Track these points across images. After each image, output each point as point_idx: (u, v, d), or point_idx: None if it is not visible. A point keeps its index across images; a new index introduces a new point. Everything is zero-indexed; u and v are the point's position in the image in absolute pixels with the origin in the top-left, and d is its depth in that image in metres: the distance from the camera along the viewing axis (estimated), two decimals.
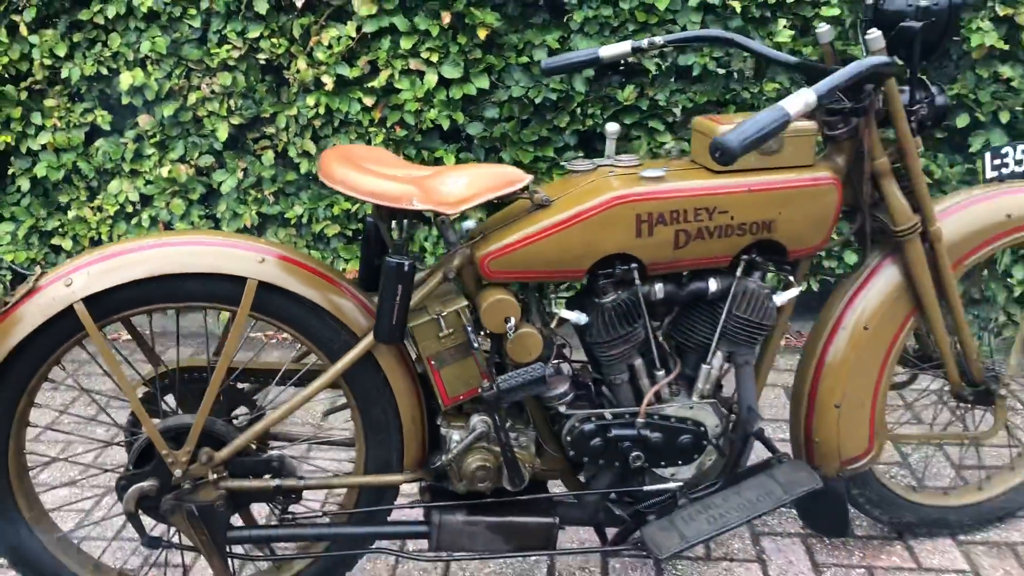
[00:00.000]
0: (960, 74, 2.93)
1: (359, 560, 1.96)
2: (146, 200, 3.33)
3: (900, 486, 2.12)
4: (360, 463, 1.81)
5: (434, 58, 2.97)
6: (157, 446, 1.65)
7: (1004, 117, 2.87)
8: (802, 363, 1.99)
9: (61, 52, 3.15)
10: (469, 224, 1.85)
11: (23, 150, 3.30)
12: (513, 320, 1.70)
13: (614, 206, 1.67)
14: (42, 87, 3.25)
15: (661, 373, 1.82)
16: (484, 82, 2.99)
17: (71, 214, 3.36)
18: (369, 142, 3.10)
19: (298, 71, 3.05)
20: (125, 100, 3.18)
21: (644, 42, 2.02)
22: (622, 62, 2.67)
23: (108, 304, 1.61)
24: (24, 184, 3.34)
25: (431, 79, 2.98)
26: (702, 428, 1.82)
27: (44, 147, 3.28)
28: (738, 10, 2.81)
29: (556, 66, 2.11)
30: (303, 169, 3.17)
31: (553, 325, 1.79)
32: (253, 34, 3.05)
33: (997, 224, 1.93)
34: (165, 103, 3.17)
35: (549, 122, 3.03)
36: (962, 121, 2.92)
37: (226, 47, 3.06)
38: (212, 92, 3.13)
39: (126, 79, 3.12)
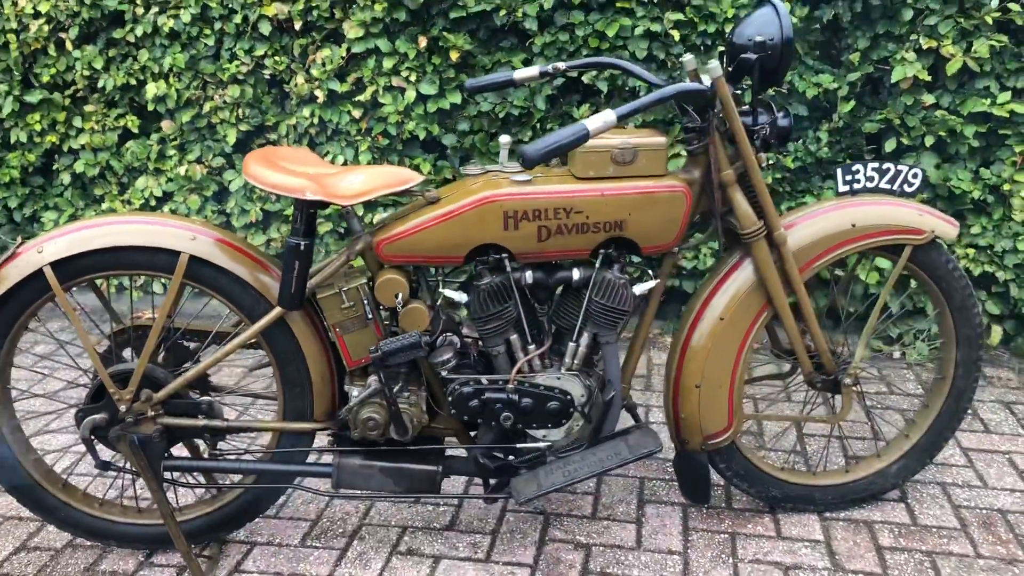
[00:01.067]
0: (891, 100, 3.16)
1: (286, 498, 2.33)
2: (168, 196, 3.79)
3: (766, 462, 2.39)
4: (280, 412, 2.18)
5: (413, 76, 3.34)
6: (107, 385, 2.05)
7: (929, 141, 3.09)
8: (671, 348, 2.28)
9: (99, 65, 3.63)
10: (385, 216, 2.20)
11: (65, 149, 3.80)
12: (402, 296, 2.04)
13: (485, 204, 2.01)
14: (83, 95, 3.74)
15: (532, 347, 2.14)
16: (457, 98, 3.35)
17: (104, 206, 3.83)
18: (356, 150, 3.48)
19: (296, 85, 3.46)
20: (151, 107, 3.64)
21: (550, 67, 2.35)
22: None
23: (71, 269, 2.02)
24: (66, 178, 3.83)
25: (410, 95, 3.35)
26: (568, 396, 2.13)
27: (83, 147, 3.76)
28: (677, 39, 3.11)
29: (478, 86, 2.45)
30: None
31: (439, 303, 2.13)
32: (259, 52, 3.48)
33: (843, 232, 2.19)
34: (184, 110, 3.62)
35: (514, 135, 3.36)
36: (890, 145, 3.15)
37: (236, 63, 3.50)
38: (224, 102, 3.56)
39: (151, 89, 3.58)
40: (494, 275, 2.08)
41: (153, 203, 3.78)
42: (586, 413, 2.16)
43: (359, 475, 2.14)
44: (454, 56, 3.30)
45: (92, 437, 2.08)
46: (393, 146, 3.48)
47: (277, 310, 2.05)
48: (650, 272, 2.18)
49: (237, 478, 2.28)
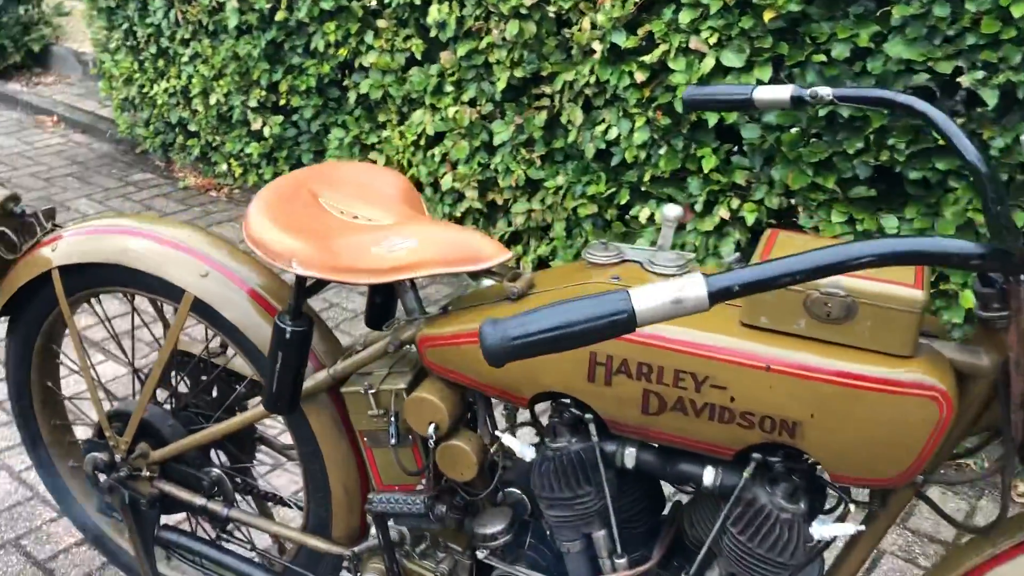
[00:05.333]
0: None
1: None
2: (439, 137, 3.32)
3: None
4: (305, 515, 1.63)
5: (714, 39, 2.42)
6: (102, 426, 1.64)
7: None
8: None
9: None
10: (461, 295, 1.48)
11: (356, 65, 3.48)
12: (437, 426, 1.34)
13: None
14: (377, 9, 3.35)
15: (624, 560, 1.32)
16: (767, 73, 2.37)
17: (385, 134, 3.48)
18: (633, 125, 2.67)
19: (579, 30, 2.72)
20: (433, 33, 3.14)
21: (807, 92, 1.39)
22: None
23: (79, 278, 1.60)
24: (353, 97, 3.53)
25: (708, 63, 2.45)
26: None
27: (372, 66, 3.40)
28: None
29: (699, 99, 1.55)
30: (571, 138, 2.87)
31: (493, 449, 1.38)
32: None
33: None
34: (463, 42, 3.06)
35: (839, 143, 2.32)
36: None
37: None
38: (502, 39, 2.94)
39: (434, 11, 3.07)
40: (573, 439, 1.28)
41: (424, 142, 3.34)
42: None
43: None
44: (769, 17, 2.31)
45: (96, 474, 1.71)
46: (677, 128, 2.62)
47: (258, 410, 1.47)
48: (850, 506, 1.21)
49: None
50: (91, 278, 1.60)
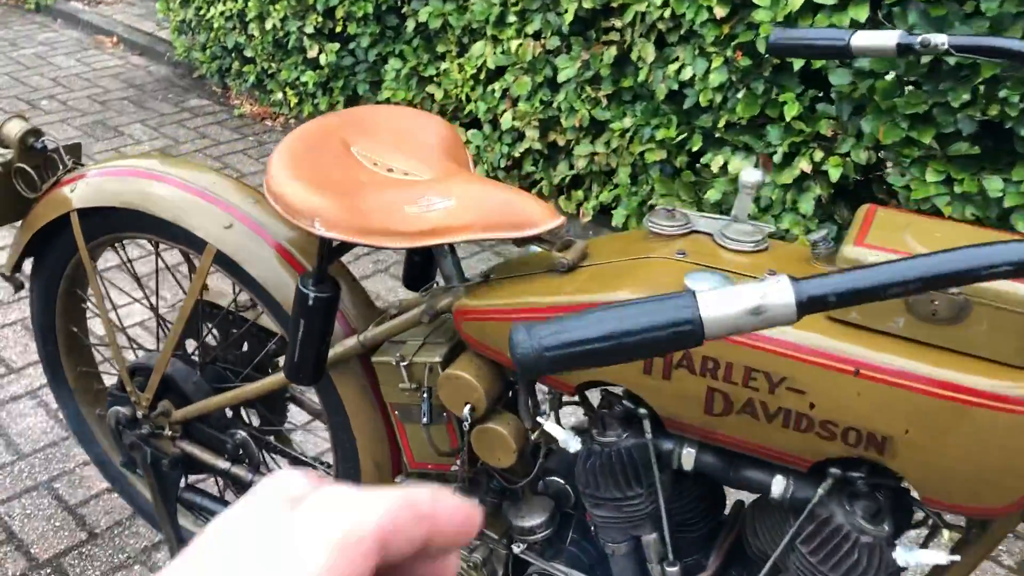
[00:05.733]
0: None
1: None
2: (500, 71, 3.12)
3: None
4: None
5: None
6: (124, 382, 1.55)
7: None
8: None
9: None
10: (535, 249, 1.32)
11: None
12: (473, 408, 1.20)
13: None
14: None
15: (676, 569, 1.17)
16: (863, 13, 2.13)
17: (444, 65, 3.30)
18: (709, 64, 2.45)
19: None
20: None
21: (917, 40, 1.18)
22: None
23: (100, 221, 1.49)
24: (411, 25, 3.34)
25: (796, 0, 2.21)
26: None
27: None
28: None
29: (787, 44, 1.35)
30: (641, 77, 2.66)
31: (535, 435, 1.24)
32: None
33: None
34: None
35: (941, 93, 2.08)
36: None
37: None
38: None
39: None
40: (624, 434, 1.13)
41: (483, 76, 3.15)
42: None
43: None
44: None
45: (119, 428, 1.63)
46: (758, 70, 2.39)
47: (279, 377, 1.35)
48: (946, 532, 1.05)
49: None
50: (112, 222, 1.49)
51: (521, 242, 1.18)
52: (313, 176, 1.17)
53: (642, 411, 1.09)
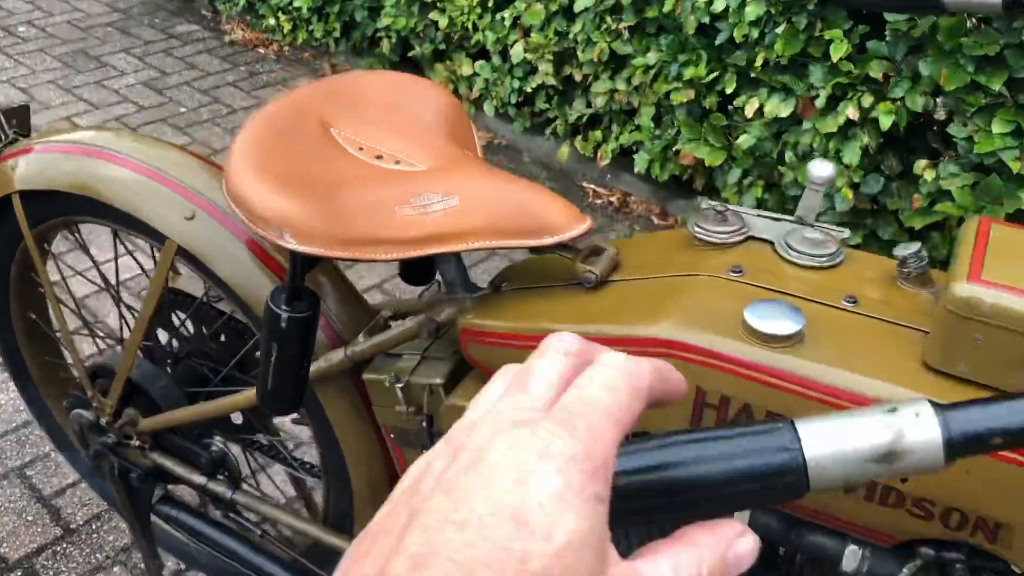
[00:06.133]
0: None
1: None
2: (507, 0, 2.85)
3: None
4: (324, 504, 1.34)
5: None
6: (84, 385, 1.36)
7: None
8: None
9: None
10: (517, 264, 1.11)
11: None
12: None
13: (662, 354, 0.84)
14: None
15: None
16: None
17: None
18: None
19: None
20: None
21: None
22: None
23: (47, 203, 1.28)
24: None
25: None
26: None
27: None
28: None
29: None
30: (667, 7, 2.39)
31: None
32: None
33: None
34: None
35: (1015, 33, 1.82)
36: None
37: None
38: None
39: None
40: None
41: (492, 3, 2.87)
42: None
43: None
44: None
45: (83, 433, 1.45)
46: (802, 1, 2.12)
47: (248, 396, 1.16)
48: None
49: None
50: (62, 205, 1.28)
51: (539, 251, 0.97)
52: (283, 172, 0.95)
53: None
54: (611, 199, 2.85)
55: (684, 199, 2.68)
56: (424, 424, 1.07)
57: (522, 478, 0.31)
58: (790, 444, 0.47)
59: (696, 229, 0.94)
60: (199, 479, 1.34)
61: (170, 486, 1.44)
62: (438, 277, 1.13)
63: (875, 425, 0.47)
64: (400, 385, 1.06)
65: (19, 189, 1.27)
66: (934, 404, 0.47)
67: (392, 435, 1.14)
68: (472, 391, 1.01)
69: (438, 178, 0.97)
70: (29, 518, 1.77)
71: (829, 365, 0.79)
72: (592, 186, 2.92)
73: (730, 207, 0.96)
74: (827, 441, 0.47)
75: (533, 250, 0.96)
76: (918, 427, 0.46)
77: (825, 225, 0.94)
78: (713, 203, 0.96)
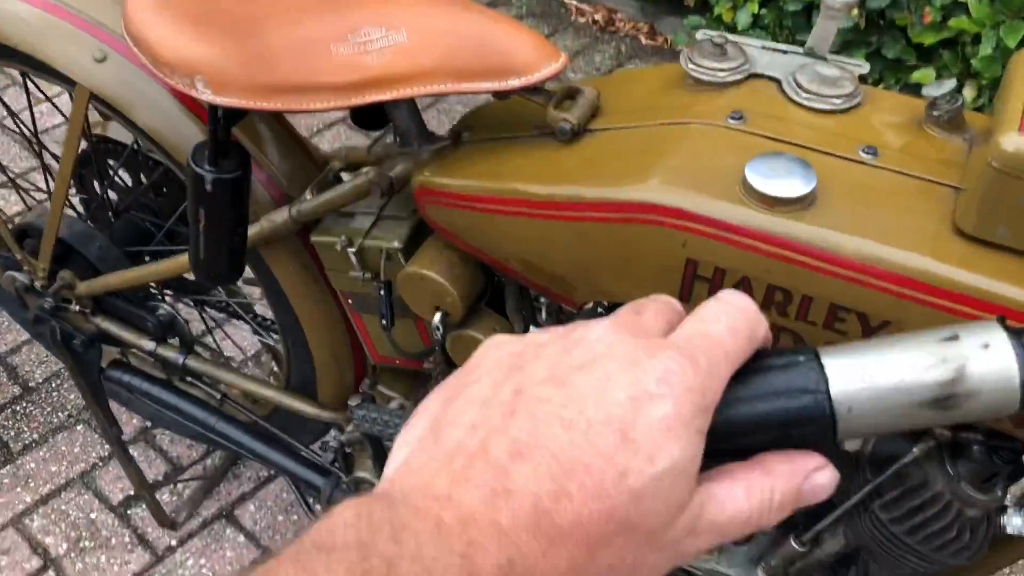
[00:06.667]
0: None
1: None
2: None
3: None
4: (284, 368, 1.25)
5: None
6: (11, 248, 1.23)
7: None
8: None
9: None
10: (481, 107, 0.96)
11: None
12: (445, 314, 0.91)
13: (649, 223, 0.72)
14: None
15: None
16: None
17: None
18: None
19: None
20: None
21: None
22: None
23: None
24: None
25: None
26: None
27: None
28: None
29: None
30: None
31: None
32: None
33: None
34: None
35: None
36: None
37: None
38: None
39: None
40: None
41: None
42: None
43: None
44: None
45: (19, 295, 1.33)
46: None
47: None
48: None
49: None
50: None
51: (504, 95, 0.83)
52: (192, 7, 0.79)
53: None
54: (595, 17, 2.63)
55: (675, 16, 2.46)
56: (382, 292, 0.96)
57: (637, 396, 0.32)
58: (813, 385, 0.36)
59: (690, 67, 0.80)
60: (148, 344, 1.24)
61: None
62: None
63: (927, 359, 0.35)
64: (353, 249, 0.94)
65: None
66: (1009, 329, 0.35)
67: (350, 300, 1.03)
68: (434, 257, 0.90)
69: (380, 7, 0.81)
70: None
71: (844, 231, 0.67)
72: (575, 2, 2.69)
73: (730, 38, 0.80)
74: (862, 379, 0.36)
75: (497, 94, 0.82)
76: (988, 361, 0.35)
77: (841, 58, 0.80)
78: (711, 33, 0.81)
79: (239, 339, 1.64)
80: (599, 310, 0.79)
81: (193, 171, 0.85)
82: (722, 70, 0.79)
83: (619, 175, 0.75)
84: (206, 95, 0.76)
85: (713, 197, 0.70)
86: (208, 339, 1.60)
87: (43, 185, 1.32)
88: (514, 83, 0.79)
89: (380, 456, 1.11)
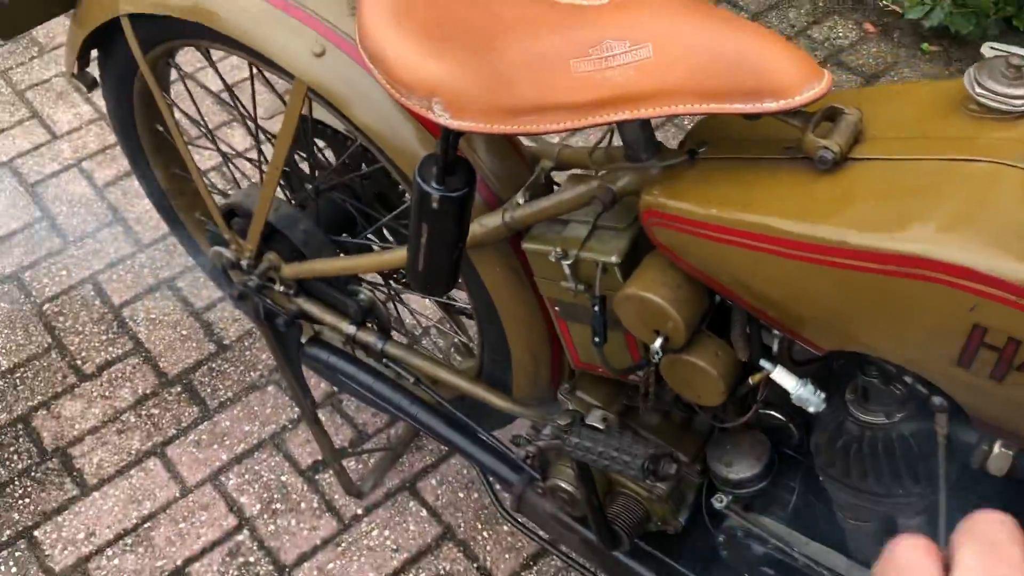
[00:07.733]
0: None
1: None
2: None
3: None
4: (479, 361, 1.24)
5: None
6: (219, 227, 1.26)
7: None
8: None
9: None
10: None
11: None
12: (666, 338, 0.86)
13: (926, 277, 0.64)
14: None
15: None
16: None
17: None
18: None
19: None
20: None
21: None
22: None
23: (161, 25, 1.11)
24: None
25: None
26: None
27: None
28: None
29: None
30: None
31: (754, 380, 0.88)
32: None
33: None
34: None
35: None
36: None
37: None
38: None
39: None
40: (898, 414, 0.77)
41: None
42: None
43: (550, 525, 1.20)
44: None
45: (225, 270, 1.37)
46: None
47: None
48: None
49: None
50: (180, 27, 1.11)
51: (755, 117, 0.75)
52: (429, 20, 0.74)
53: (938, 400, 0.71)
54: None
55: None
56: (596, 308, 0.91)
57: None
58: None
59: (977, 90, 0.70)
60: (348, 328, 1.24)
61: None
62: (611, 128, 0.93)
63: None
64: (568, 262, 0.90)
65: (126, 12, 1.10)
66: None
67: (556, 308, 0.99)
68: (656, 278, 0.84)
69: (625, 17, 0.74)
70: (183, 332, 1.77)
71: None
72: None
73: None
74: None
75: (749, 117, 0.74)
76: None
77: None
78: (1006, 48, 0.70)
79: (418, 306, 1.64)
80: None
81: (420, 188, 0.82)
82: (1018, 97, 0.68)
83: (890, 220, 0.67)
84: (443, 118, 0.73)
85: (1008, 254, 0.61)
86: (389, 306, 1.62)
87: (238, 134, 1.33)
88: (770, 106, 0.71)
89: (584, 472, 1.08)
